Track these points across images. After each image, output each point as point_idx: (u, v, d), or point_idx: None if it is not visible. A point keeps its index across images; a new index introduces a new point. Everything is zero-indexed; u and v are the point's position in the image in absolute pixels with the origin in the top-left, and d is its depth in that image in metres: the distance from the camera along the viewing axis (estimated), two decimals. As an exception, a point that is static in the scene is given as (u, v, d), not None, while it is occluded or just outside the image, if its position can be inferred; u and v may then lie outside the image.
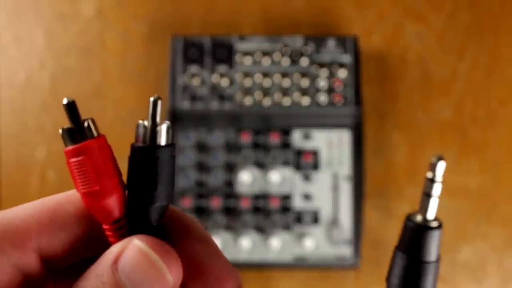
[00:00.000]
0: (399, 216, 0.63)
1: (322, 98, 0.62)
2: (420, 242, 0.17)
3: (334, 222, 0.61)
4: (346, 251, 0.61)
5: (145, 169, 0.19)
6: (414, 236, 0.17)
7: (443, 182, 0.17)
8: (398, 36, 0.66)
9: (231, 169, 0.61)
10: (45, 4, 0.66)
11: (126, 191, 0.20)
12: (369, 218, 0.62)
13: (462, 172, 0.65)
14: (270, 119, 0.62)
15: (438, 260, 0.18)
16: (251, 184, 0.61)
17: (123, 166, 0.21)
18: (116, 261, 0.19)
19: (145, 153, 0.19)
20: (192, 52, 0.62)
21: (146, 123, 0.19)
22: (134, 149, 0.19)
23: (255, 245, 0.61)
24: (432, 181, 0.18)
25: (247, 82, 0.62)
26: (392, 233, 0.64)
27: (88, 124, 0.19)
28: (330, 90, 0.62)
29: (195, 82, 0.62)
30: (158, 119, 0.19)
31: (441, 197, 0.68)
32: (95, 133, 0.19)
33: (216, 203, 0.61)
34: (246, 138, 0.62)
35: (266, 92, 0.62)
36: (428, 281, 0.18)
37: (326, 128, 0.62)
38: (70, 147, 0.19)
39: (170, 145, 0.20)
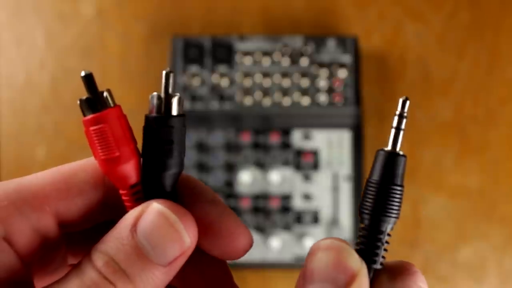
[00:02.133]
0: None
1: (322, 98, 0.62)
2: (390, 167, 0.21)
3: (334, 222, 0.61)
4: (346, 251, 0.60)
5: (161, 138, 0.20)
6: (385, 163, 0.21)
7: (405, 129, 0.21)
8: (398, 36, 0.66)
9: (231, 169, 0.61)
10: (45, 4, 0.66)
11: (141, 160, 0.21)
12: (369, 218, 0.62)
13: (462, 172, 0.65)
14: (270, 119, 0.62)
15: (402, 186, 0.21)
16: (251, 184, 0.61)
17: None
18: (135, 223, 0.19)
19: (161, 122, 0.20)
20: (192, 52, 0.62)
21: (159, 94, 0.20)
22: (149, 119, 0.21)
23: (255, 245, 0.60)
24: (400, 116, 0.21)
25: (247, 82, 0.62)
26: (391, 233, 0.64)
27: (106, 95, 0.20)
28: (330, 90, 0.62)
29: (195, 82, 0.62)
30: (170, 90, 0.20)
31: (441, 197, 0.67)
32: (112, 103, 0.20)
33: (216, 203, 0.61)
34: (246, 138, 0.62)
35: (266, 92, 0.62)
36: (395, 201, 0.21)
37: (326, 128, 0.62)
38: (90, 116, 0.20)
39: (182, 115, 0.21)
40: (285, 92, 0.62)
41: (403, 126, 0.21)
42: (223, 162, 0.62)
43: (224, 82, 0.62)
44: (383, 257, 0.21)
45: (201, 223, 0.21)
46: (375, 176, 0.21)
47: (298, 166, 0.61)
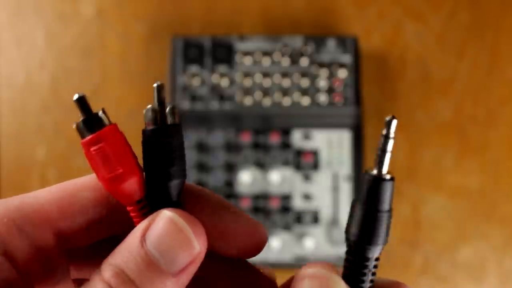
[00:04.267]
0: (398, 215, 0.63)
1: (322, 98, 0.62)
2: (376, 193, 0.19)
3: (334, 222, 0.61)
4: (346, 251, 0.61)
5: (162, 149, 0.20)
6: (371, 188, 0.19)
7: (394, 138, 0.20)
8: (398, 36, 0.66)
9: (231, 169, 0.61)
10: (45, 4, 0.66)
11: (143, 174, 0.21)
12: (369, 218, 0.62)
13: (462, 172, 0.65)
14: (270, 119, 0.62)
15: (390, 210, 0.20)
16: (251, 184, 0.61)
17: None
18: (144, 234, 0.19)
19: (160, 133, 0.20)
20: (192, 52, 0.62)
21: (153, 107, 0.21)
22: (147, 132, 0.21)
23: (255, 245, 0.61)
24: (386, 137, 0.20)
25: (247, 82, 0.62)
26: (392, 233, 0.64)
27: (101, 114, 0.20)
28: (330, 90, 0.62)
29: (195, 82, 0.62)
30: (163, 102, 0.21)
31: (441, 197, 0.67)
32: (107, 122, 0.20)
33: (216, 203, 0.61)
34: (246, 138, 0.62)
35: (266, 92, 0.62)
36: (382, 228, 0.20)
37: (326, 128, 0.62)
38: (89, 137, 0.20)
39: (178, 124, 0.21)
40: (285, 92, 0.62)
41: (389, 148, 0.20)
42: (223, 162, 0.62)
43: (224, 82, 0.62)
44: (371, 281, 0.20)
45: (215, 228, 0.21)
46: (361, 201, 0.20)
47: (298, 166, 0.61)
